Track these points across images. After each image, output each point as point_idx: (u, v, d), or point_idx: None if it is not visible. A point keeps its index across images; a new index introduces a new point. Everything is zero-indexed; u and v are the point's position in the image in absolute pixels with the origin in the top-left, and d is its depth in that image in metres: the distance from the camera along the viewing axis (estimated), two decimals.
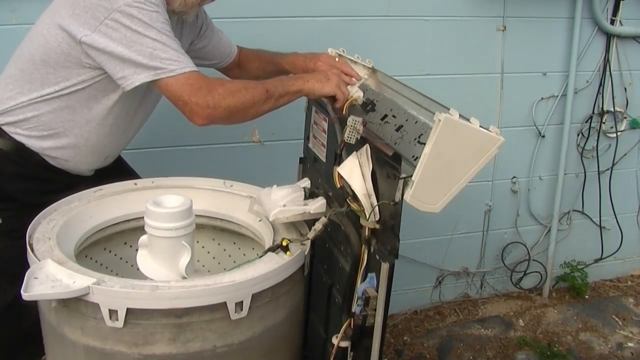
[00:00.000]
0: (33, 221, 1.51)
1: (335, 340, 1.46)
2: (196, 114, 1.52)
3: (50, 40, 1.58)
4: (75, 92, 1.64)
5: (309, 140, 1.82)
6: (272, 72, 1.96)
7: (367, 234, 1.41)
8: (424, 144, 1.27)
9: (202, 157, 2.45)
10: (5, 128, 1.68)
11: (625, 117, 3.05)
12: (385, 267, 1.34)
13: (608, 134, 3.07)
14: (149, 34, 1.49)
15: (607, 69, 2.91)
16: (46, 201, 1.60)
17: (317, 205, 1.52)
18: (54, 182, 1.75)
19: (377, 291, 1.37)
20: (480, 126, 1.29)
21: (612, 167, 3.09)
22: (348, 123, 1.42)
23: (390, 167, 1.34)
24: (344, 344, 1.47)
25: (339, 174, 1.42)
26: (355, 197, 1.39)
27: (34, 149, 1.69)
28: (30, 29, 1.68)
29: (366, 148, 1.41)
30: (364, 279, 1.42)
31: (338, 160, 1.45)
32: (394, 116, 1.60)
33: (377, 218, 1.37)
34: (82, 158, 1.75)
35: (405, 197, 1.27)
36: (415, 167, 1.29)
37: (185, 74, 1.51)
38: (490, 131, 1.29)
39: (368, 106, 1.72)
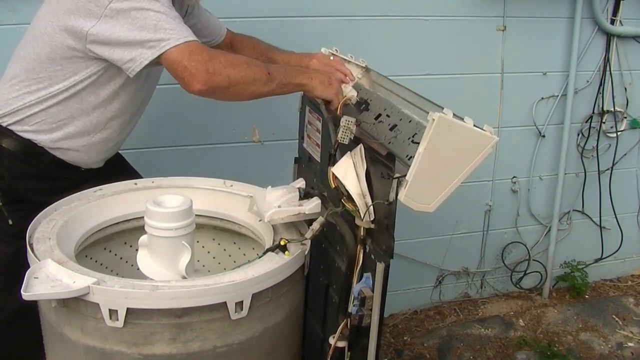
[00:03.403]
0: (33, 221, 1.52)
1: (332, 341, 1.47)
2: (195, 78, 1.50)
3: (55, 37, 1.59)
4: (83, 83, 1.65)
5: (304, 140, 1.82)
6: None
7: (362, 234, 1.41)
8: (418, 143, 1.26)
9: (202, 157, 2.46)
10: (12, 128, 1.69)
11: (625, 117, 3.05)
12: (380, 267, 1.34)
13: (608, 134, 3.07)
14: (152, 7, 1.52)
15: (607, 68, 2.91)
16: (57, 200, 1.61)
17: (312, 205, 1.52)
18: (64, 180, 1.76)
19: (373, 291, 1.37)
20: (475, 125, 1.28)
21: (612, 167, 3.10)
22: (341, 123, 1.41)
23: (384, 166, 1.33)
24: (341, 344, 1.47)
25: (333, 174, 1.42)
26: (349, 197, 1.38)
27: (44, 144, 1.70)
28: (29, 28, 1.68)
29: (360, 148, 1.40)
30: (359, 279, 1.42)
31: (332, 160, 1.45)
32: (387, 115, 1.61)
33: (372, 218, 1.37)
34: (93, 146, 1.77)
35: (399, 196, 1.27)
36: (409, 166, 1.28)
37: (187, 42, 1.52)
38: (484, 130, 1.28)
39: (362, 105, 1.72)
